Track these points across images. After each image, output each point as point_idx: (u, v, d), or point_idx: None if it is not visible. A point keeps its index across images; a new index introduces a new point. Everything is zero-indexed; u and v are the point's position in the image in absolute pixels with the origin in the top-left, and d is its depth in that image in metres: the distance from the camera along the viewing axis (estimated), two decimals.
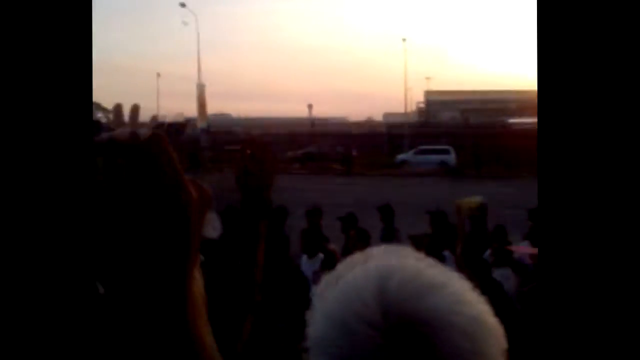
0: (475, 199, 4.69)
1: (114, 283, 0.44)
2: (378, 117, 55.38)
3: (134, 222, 0.43)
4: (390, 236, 5.56)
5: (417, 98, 59.57)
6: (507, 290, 3.90)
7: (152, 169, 0.43)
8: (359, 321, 0.59)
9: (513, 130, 33.08)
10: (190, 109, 35.47)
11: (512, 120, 41.21)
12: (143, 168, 0.43)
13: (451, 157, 27.96)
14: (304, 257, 4.82)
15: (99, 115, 36.93)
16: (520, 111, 43.55)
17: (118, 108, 0.74)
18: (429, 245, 4.37)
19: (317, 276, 4.11)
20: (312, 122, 43.16)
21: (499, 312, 0.63)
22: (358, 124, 46.14)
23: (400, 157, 29.95)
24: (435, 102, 54.65)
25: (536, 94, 0.81)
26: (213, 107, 40.93)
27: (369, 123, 49.83)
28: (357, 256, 0.69)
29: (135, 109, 0.76)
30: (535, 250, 4.43)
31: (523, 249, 4.80)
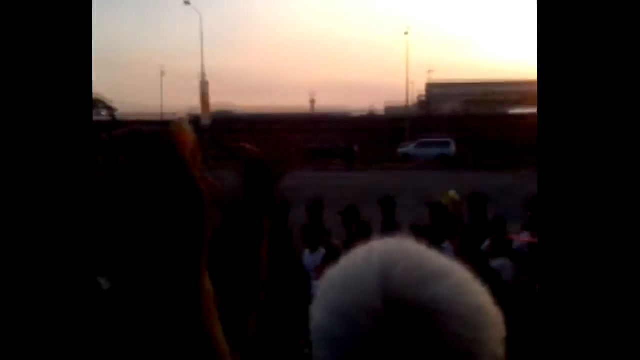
0: (450, 194, 4.76)
1: (127, 279, 0.43)
2: (380, 108, 55.10)
3: (147, 218, 0.42)
4: (390, 228, 5.60)
5: (419, 89, 59.35)
6: (506, 280, 3.95)
7: (170, 164, 0.43)
8: (362, 310, 0.59)
9: (514, 121, 32.96)
10: (193, 106, 35.29)
11: (512, 111, 41.04)
12: (161, 163, 0.43)
13: (451, 149, 27.95)
14: (306, 252, 4.85)
15: (102, 112, 36.69)
16: (522, 102, 43.29)
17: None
18: (429, 236, 4.42)
19: (318, 271, 4.16)
20: (315, 121, 42.92)
21: (496, 302, 0.64)
22: (360, 119, 45.98)
23: (402, 150, 29.89)
24: (437, 94, 54.32)
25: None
26: (216, 104, 40.71)
27: (371, 116, 49.57)
28: (360, 248, 0.69)
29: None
30: (535, 240, 4.47)
31: (523, 238, 4.82)
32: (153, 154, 0.43)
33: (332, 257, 0.88)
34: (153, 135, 0.43)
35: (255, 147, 1.26)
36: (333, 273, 0.66)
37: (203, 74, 31.93)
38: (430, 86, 56.53)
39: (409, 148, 29.78)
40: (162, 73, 58.06)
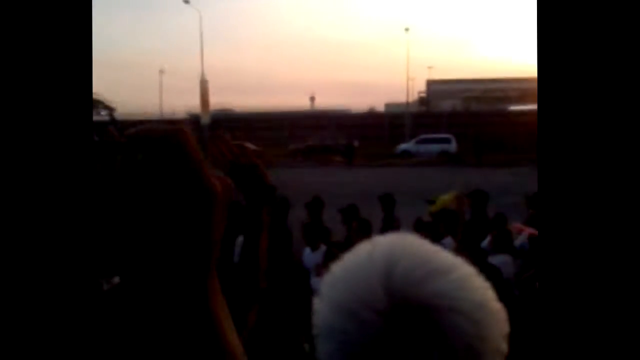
0: (450, 194, 4.78)
1: (137, 276, 0.43)
2: (380, 106, 55.19)
3: (160, 215, 0.42)
4: (390, 225, 5.61)
5: (419, 87, 59.50)
6: (507, 277, 3.94)
7: (184, 162, 0.43)
8: (365, 307, 0.59)
9: (514, 118, 32.98)
10: (193, 105, 35.36)
11: (513, 108, 41.06)
12: (177, 161, 0.42)
13: (452, 146, 27.93)
14: (307, 250, 4.85)
15: (102, 112, 36.69)
16: (522, 99, 43.32)
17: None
18: (431, 232, 4.42)
19: (318, 268, 4.16)
20: (315, 118, 43.02)
21: (497, 299, 0.64)
22: (360, 116, 46.03)
23: (402, 147, 29.87)
24: (437, 91, 54.37)
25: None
26: (216, 103, 40.76)
27: (371, 113, 49.63)
28: (363, 245, 0.69)
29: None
30: (536, 232, 4.46)
31: (527, 229, 4.80)
32: (170, 152, 0.43)
33: (333, 254, 0.87)
34: (168, 133, 0.43)
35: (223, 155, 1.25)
36: (337, 270, 0.67)
37: (203, 73, 31.95)
38: (431, 83, 56.59)
39: (409, 144, 29.74)
40: (162, 72, 58.19)
